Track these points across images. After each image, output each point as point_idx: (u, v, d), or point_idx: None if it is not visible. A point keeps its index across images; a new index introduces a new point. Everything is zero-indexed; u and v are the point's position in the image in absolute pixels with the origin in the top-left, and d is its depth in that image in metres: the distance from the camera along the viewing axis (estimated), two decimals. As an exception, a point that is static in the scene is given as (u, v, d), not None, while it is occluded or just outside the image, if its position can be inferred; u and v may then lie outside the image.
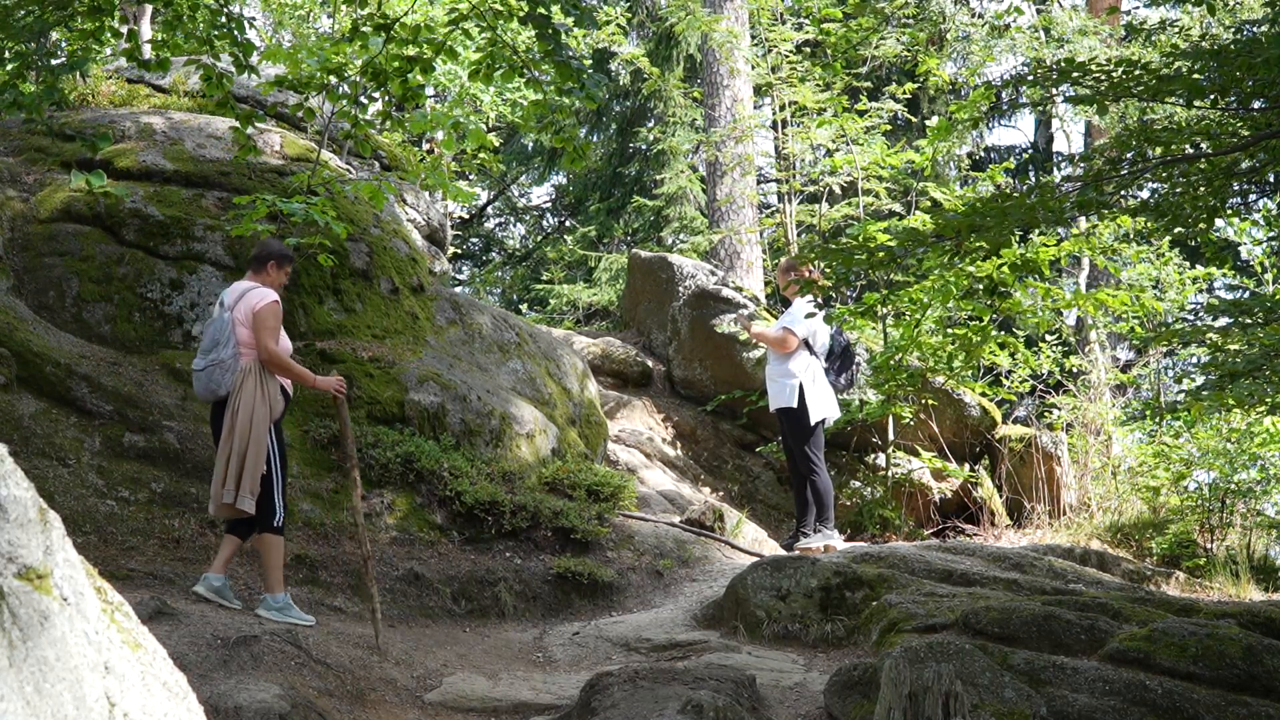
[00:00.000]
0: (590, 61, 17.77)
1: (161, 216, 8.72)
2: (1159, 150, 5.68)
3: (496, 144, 13.23)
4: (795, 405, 8.99)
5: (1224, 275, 12.24)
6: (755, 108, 16.10)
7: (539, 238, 25.10)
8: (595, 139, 20.57)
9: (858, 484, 11.22)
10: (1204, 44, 5.64)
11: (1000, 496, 10.88)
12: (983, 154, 21.03)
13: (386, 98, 7.82)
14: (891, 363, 10.46)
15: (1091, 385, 12.32)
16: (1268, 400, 6.41)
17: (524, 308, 20.17)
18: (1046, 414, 12.35)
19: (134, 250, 8.60)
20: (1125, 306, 10.29)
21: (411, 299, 9.53)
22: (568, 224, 23.55)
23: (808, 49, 13.88)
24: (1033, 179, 17.94)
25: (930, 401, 10.94)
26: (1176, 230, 6.06)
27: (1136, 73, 5.43)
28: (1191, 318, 12.10)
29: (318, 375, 6.82)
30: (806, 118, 13.16)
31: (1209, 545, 9.82)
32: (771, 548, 9.33)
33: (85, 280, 8.42)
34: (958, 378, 10.86)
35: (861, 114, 12.36)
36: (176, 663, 2.95)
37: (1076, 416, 11.80)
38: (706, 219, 16.50)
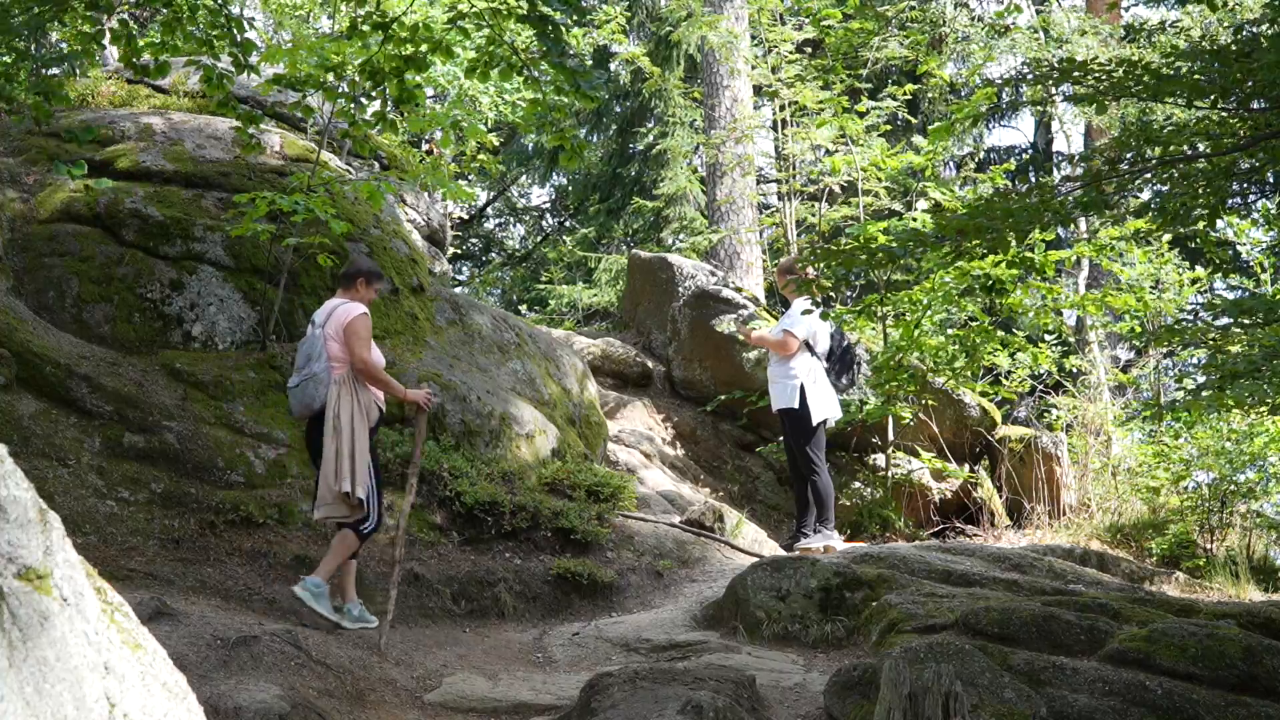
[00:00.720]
0: (590, 61, 17.79)
1: (161, 217, 8.72)
2: (1159, 150, 5.68)
3: (496, 144, 13.23)
4: (797, 406, 8.99)
5: (1224, 279, 12.25)
6: (755, 108, 16.10)
7: (539, 238, 25.09)
8: (595, 139, 20.57)
9: (858, 484, 11.22)
10: (1204, 44, 5.64)
11: (1000, 497, 10.88)
12: (985, 155, 21.03)
13: (384, 98, 7.82)
14: (892, 363, 10.46)
15: (1091, 386, 12.32)
16: (1268, 401, 6.41)
17: (524, 308, 20.17)
18: (1046, 414, 12.35)
19: (134, 250, 8.60)
20: (1128, 307, 10.29)
21: (411, 299, 9.53)
22: (567, 224, 23.55)
23: (808, 49, 13.89)
24: (1033, 179, 17.93)
25: (930, 402, 10.94)
26: (1176, 230, 6.06)
27: (1136, 73, 5.43)
28: (1191, 318, 12.09)
29: (389, 378, 7.02)
30: (806, 118, 13.16)
31: (1209, 546, 9.82)
32: (771, 548, 9.33)
33: (85, 280, 8.42)
34: (958, 378, 10.86)
35: (861, 114, 12.36)
36: (176, 663, 2.95)
37: (1076, 417, 11.80)
38: (706, 219, 16.50)
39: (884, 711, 4.84)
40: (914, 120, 15.85)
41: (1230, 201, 6.28)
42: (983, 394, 11.44)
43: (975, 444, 11.55)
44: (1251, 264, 11.86)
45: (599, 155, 20.26)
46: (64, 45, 9.19)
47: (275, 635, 5.77)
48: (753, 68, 14.56)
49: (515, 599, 7.67)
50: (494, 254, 25.53)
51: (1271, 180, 6.60)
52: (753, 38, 14.94)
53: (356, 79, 7.92)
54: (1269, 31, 5.69)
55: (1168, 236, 10.01)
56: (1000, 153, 22.03)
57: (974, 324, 10.78)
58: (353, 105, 8.06)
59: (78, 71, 8.40)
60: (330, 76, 8.02)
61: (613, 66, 20.49)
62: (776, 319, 10.36)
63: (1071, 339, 13.38)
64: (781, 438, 9.78)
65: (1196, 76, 5.32)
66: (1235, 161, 5.61)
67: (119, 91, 10.44)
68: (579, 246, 19.46)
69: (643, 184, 19.40)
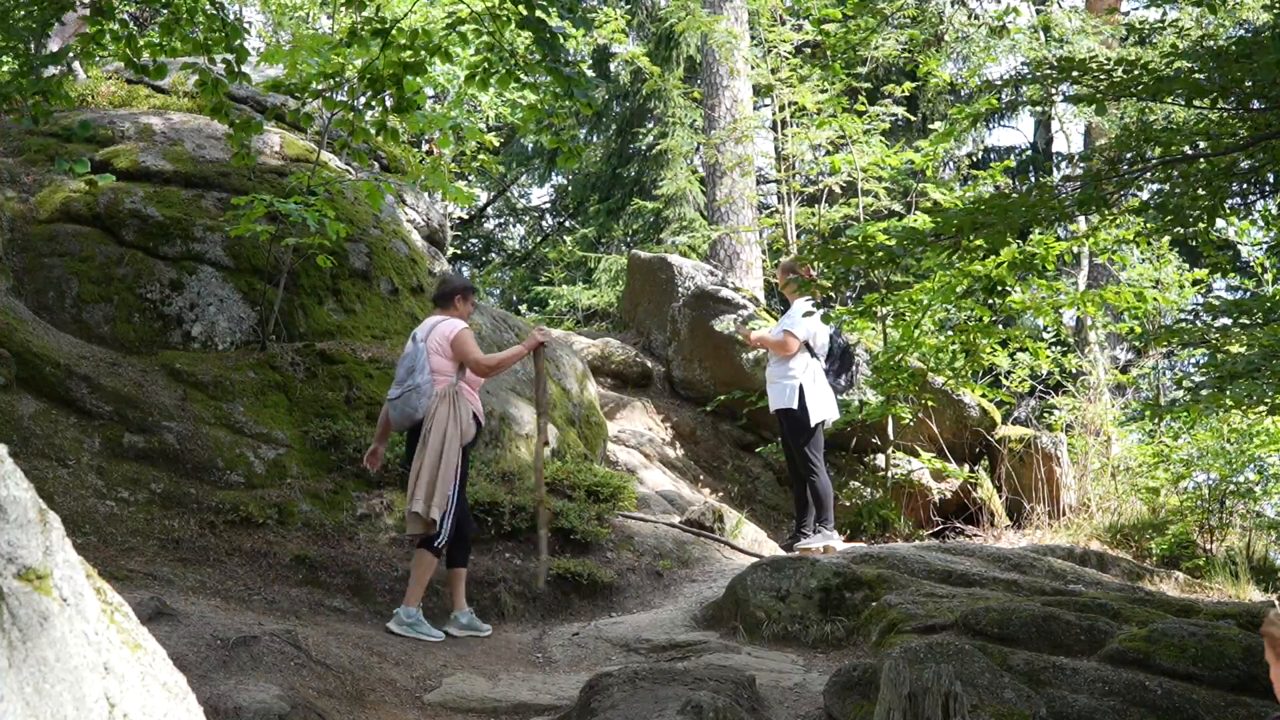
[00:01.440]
0: (589, 63, 17.79)
1: (161, 217, 8.72)
2: (1158, 150, 5.69)
3: (496, 144, 13.23)
4: (795, 406, 8.98)
5: (1224, 279, 12.24)
6: (755, 108, 16.10)
7: (538, 239, 25.09)
8: (595, 140, 20.57)
9: (857, 484, 11.22)
10: (1204, 44, 5.64)
11: (1000, 497, 10.88)
12: (985, 155, 21.03)
13: (383, 105, 7.82)
14: (891, 363, 10.46)
15: (1091, 386, 12.32)
16: (1267, 401, 6.41)
17: (523, 308, 20.17)
18: (1046, 415, 12.35)
19: (134, 251, 8.60)
20: (1129, 305, 10.29)
21: (411, 300, 9.53)
22: (567, 225, 23.55)
23: (808, 50, 13.89)
24: (1032, 179, 17.93)
25: (930, 402, 10.94)
26: (1176, 230, 6.06)
27: (1136, 72, 5.43)
28: (1191, 318, 12.09)
29: (506, 351, 7.44)
30: (806, 118, 13.16)
31: (1208, 546, 9.82)
32: (771, 548, 9.33)
33: (85, 281, 8.42)
34: (958, 378, 10.86)
35: (861, 114, 12.37)
36: (176, 663, 2.95)
37: (1076, 417, 11.79)
38: (706, 220, 16.50)
39: (884, 711, 4.84)
40: (913, 119, 15.86)
41: (1230, 201, 6.29)
42: (982, 394, 11.44)
43: (975, 444, 11.55)
44: (1251, 264, 11.86)
45: (599, 155, 20.26)
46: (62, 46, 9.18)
47: (275, 635, 5.77)
48: (752, 68, 14.56)
49: (515, 599, 7.67)
50: (494, 254, 25.53)
51: (1271, 180, 6.61)
52: (752, 38, 14.95)
53: (356, 85, 7.92)
54: (1269, 32, 5.69)
55: (1167, 237, 10.01)
56: (1000, 153, 22.03)
57: (974, 323, 10.77)
58: (352, 114, 8.06)
59: (76, 72, 8.39)
60: (330, 84, 8.03)
61: (613, 66, 20.49)
62: (776, 319, 10.36)
63: (1071, 339, 13.38)
64: (780, 438, 9.77)
65: (1196, 76, 5.32)
66: (1235, 161, 5.61)
67: (119, 91, 10.44)
68: (579, 247, 19.46)
69: (642, 184, 19.39)
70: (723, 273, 13.31)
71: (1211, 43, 5.81)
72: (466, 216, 23.44)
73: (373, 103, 8.07)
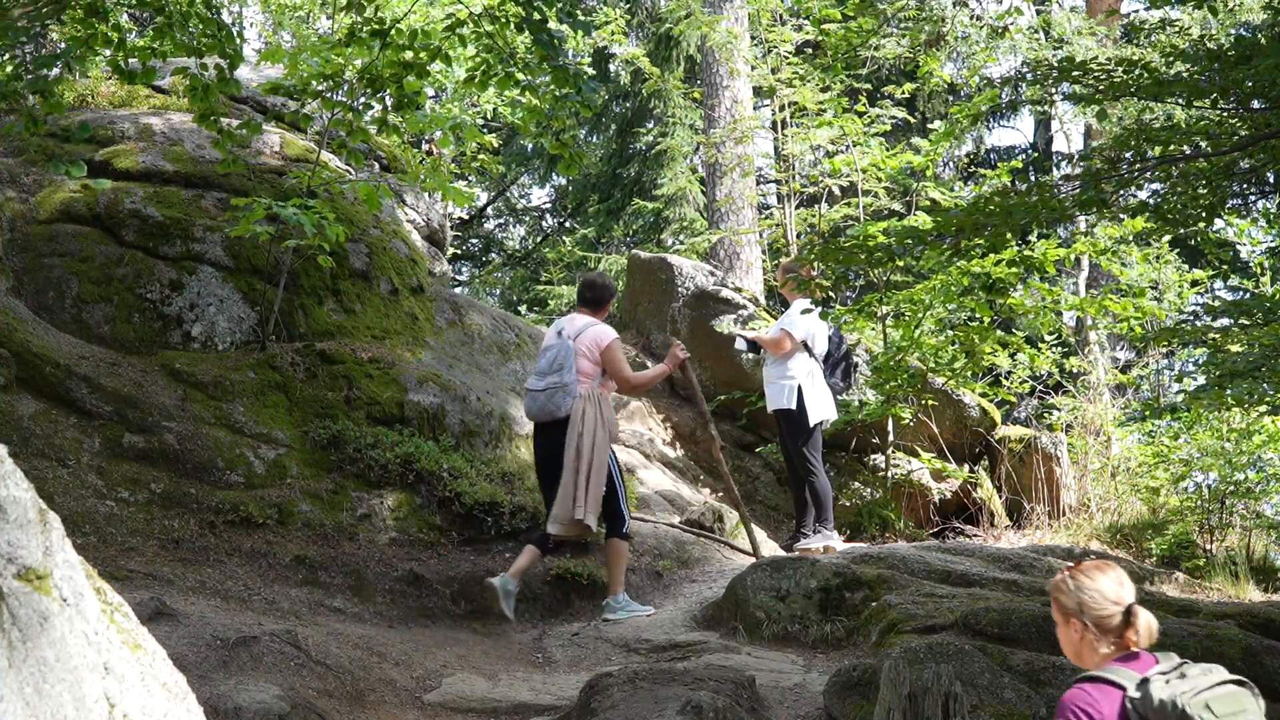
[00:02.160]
0: (589, 63, 17.78)
1: (161, 217, 8.72)
2: (1158, 150, 5.69)
3: (496, 144, 13.23)
4: (794, 407, 8.98)
5: (1223, 280, 12.25)
6: (755, 109, 16.10)
7: (538, 239, 25.09)
8: (595, 140, 20.57)
9: (857, 485, 11.21)
10: (1204, 45, 5.64)
11: (1000, 497, 10.88)
12: (985, 156, 21.03)
13: (383, 105, 7.82)
14: (891, 363, 10.45)
15: (1091, 386, 12.32)
16: (1267, 400, 6.41)
17: (523, 309, 20.17)
18: (1046, 415, 12.34)
19: (133, 251, 8.60)
20: (1128, 314, 10.29)
21: (411, 300, 9.53)
22: (567, 225, 23.55)
23: (808, 50, 13.89)
24: (1033, 179, 17.92)
25: (930, 402, 10.93)
26: (1176, 231, 6.06)
27: (1136, 73, 5.44)
28: (1191, 319, 12.10)
29: (653, 368, 7.92)
30: (806, 118, 13.16)
31: (1208, 546, 9.82)
32: (771, 548, 9.33)
33: (85, 281, 8.41)
34: (958, 378, 10.85)
35: (861, 115, 12.36)
36: (176, 663, 2.95)
37: (1076, 417, 11.79)
38: (706, 220, 16.50)
39: (884, 712, 4.84)
40: (913, 120, 15.86)
41: (1230, 201, 6.28)
42: (982, 394, 11.44)
43: (975, 444, 11.54)
44: (1251, 265, 11.86)
45: (599, 155, 20.27)
46: (62, 45, 9.18)
47: (275, 635, 5.77)
48: (752, 68, 14.56)
49: (515, 599, 7.66)
50: (494, 254, 25.53)
51: (1271, 180, 6.60)
52: (752, 38, 14.95)
53: (355, 86, 7.91)
54: (1269, 34, 5.69)
55: (1167, 237, 10.01)
56: (1000, 153, 22.04)
57: (974, 324, 10.77)
58: (350, 114, 8.05)
59: (75, 72, 8.38)
60: (329, 85, 8.01)
61: (613, 67, 20.49)
62: (775, 319, 10.35)
63: (1071, 339, 13.38)
64: (778, 439, 9.77)
65: (1196, 77, 5.32)
66: (1235, 161, 5.61)
67: (118, 92, 10.43)
68: (579, 247, 19.47)
69: (642, 184, 19.40)
70: (723, 273, 13.31)
71: (1211, 44, 5.81)
72: (466, 217, 23.44)
73: (372, 102, 8.06)
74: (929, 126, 13.32)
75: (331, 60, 8.15)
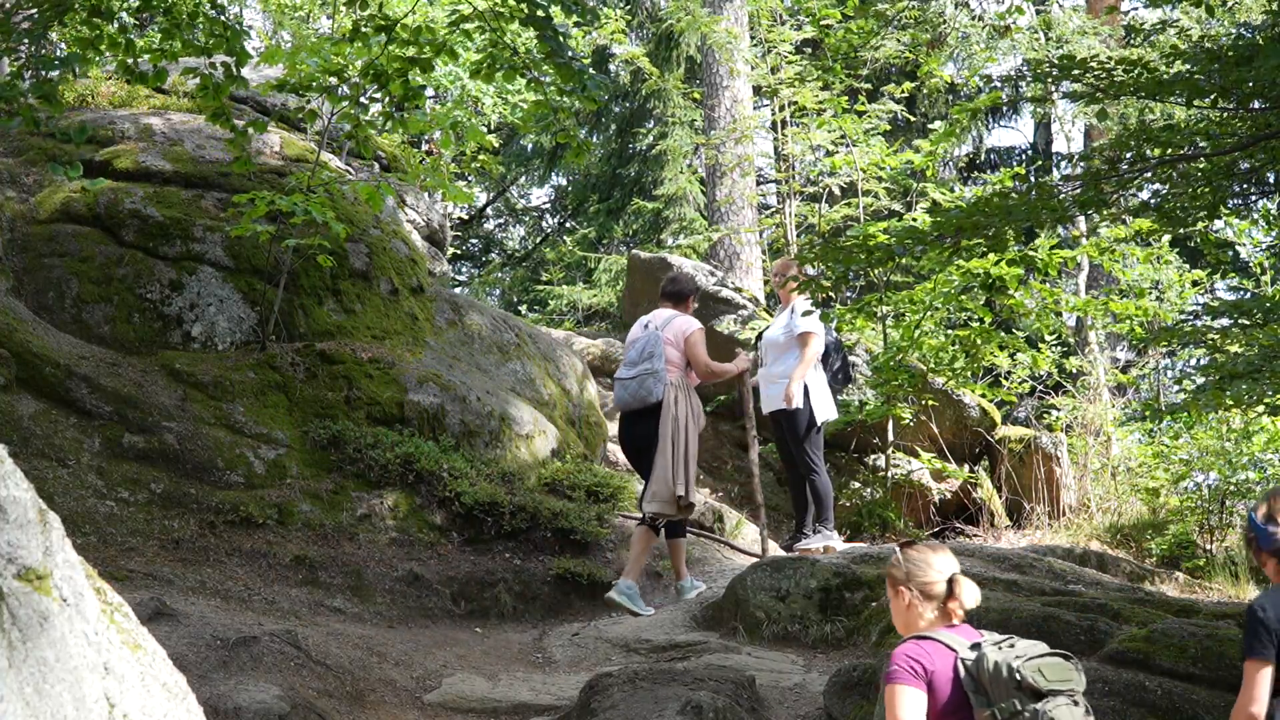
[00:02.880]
0: (590, 60, 17.78)
1: (161, 217, 8.72)
2: (1158, 150, 5.69)
3: (496, 145, 13.22)
4: (801, 405, 8.93)
5: (1223, 280, 12.25)
6: (755, 108, 16.09)
7: (538, 239, 25.08)
8: (595, 139, 20.55)
9: (857, 485, 11.21)
10: (1204, 45, 5.64)
11: (1000, 497, 10.88)
12: (985, 156, 21.02)
13: (387, 99, 7.81)
14: (891, 363, 10.45)
15: (1091, 386, 12.32)
16: (1266, 401, 6.41)
17: (523, 309, 20.16)
18: (1046, 415, 12.34)
19: (133, 251, 8.59)
20: (1129, 315, 10.29)
21: (411, 300, 9.53)
22: (567, 225, 23.55)
23: (808, 50, 13.88)
24: (1032, 179, 17.91)
25: (930, 402, 10.93)
26: (1176, 231, 6.06)
27: (1136, 72, 5.44)
28: (1191, 319, 12.10)
29: (725, 364, 8.16)
30: (806, 118, 13.15)
31: (1208, 546, 9.82)
32: (771, 548, 9.32)
33: (85, 281, 8.41)
34: (958, 379, 10.85)
35: (861, 114, 12.36)
36: (176, 663, 2.95)
37: (1076, 417, 11.79)
38: (706, 220, 16.49)
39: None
40: (913, 119, 15.85)
41: (1230, 201, 6.28)
42: (982, 395, 11.44)
43: (975, 444, 11.54)
44: (1251, 265, 11.86)
45: (599, 155, 20.26)
46: (63, 46, 9.17)
47: (275, 635, 5.77)
48: (752, 68, 14.55)
49: (515, 599, 7.67)
50: (494, 254, 25.52)
51: (1271, 180, 6.61)
52: (752, 38, 14.94)
53: (359, 81, 7.90)
54: (1269, 34, 5.70)
55: (1167, 237, 10.01)
56: (1000, 153, 22.02)
57: (974, 324, 10.77)
58: (355, 108, 8.04)
59: (76, 74, 8.38)
60: (333, 80, 8.01)
61: (612, 67, 20.48)
62: (772, 317, 10.31)
63: (1071, 339, 13.38)
64: (777, 438, 9.73)
65: (1196, 77, 5.32)
66: (1235, 161, 5.62)
67: (119, 92, 10.43)
68: (579, 247, 19.45)
69: (642, 184, 19.39)
70: (723, 273, 13.31)
71: (1211, 44, 5.81)
72: (466, 217, 23.43)
73: (376, 98, 8.06)
74: (929, 126, 13.30)
75: (333, 58, 8.14)
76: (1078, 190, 5.77)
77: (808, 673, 6.08)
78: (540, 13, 6.50)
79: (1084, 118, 14.72)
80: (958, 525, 10.86)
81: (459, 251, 23.90)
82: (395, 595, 7.31)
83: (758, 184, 16.78)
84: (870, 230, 9.80)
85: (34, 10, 6.88)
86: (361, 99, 8.04)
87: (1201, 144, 5.64)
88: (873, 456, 11.31)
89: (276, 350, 8.49)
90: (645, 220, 18.95)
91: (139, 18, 10.19)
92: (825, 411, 9.08)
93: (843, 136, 12.60)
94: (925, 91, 15.83)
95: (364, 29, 7.35)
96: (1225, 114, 5.65)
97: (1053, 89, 9.18)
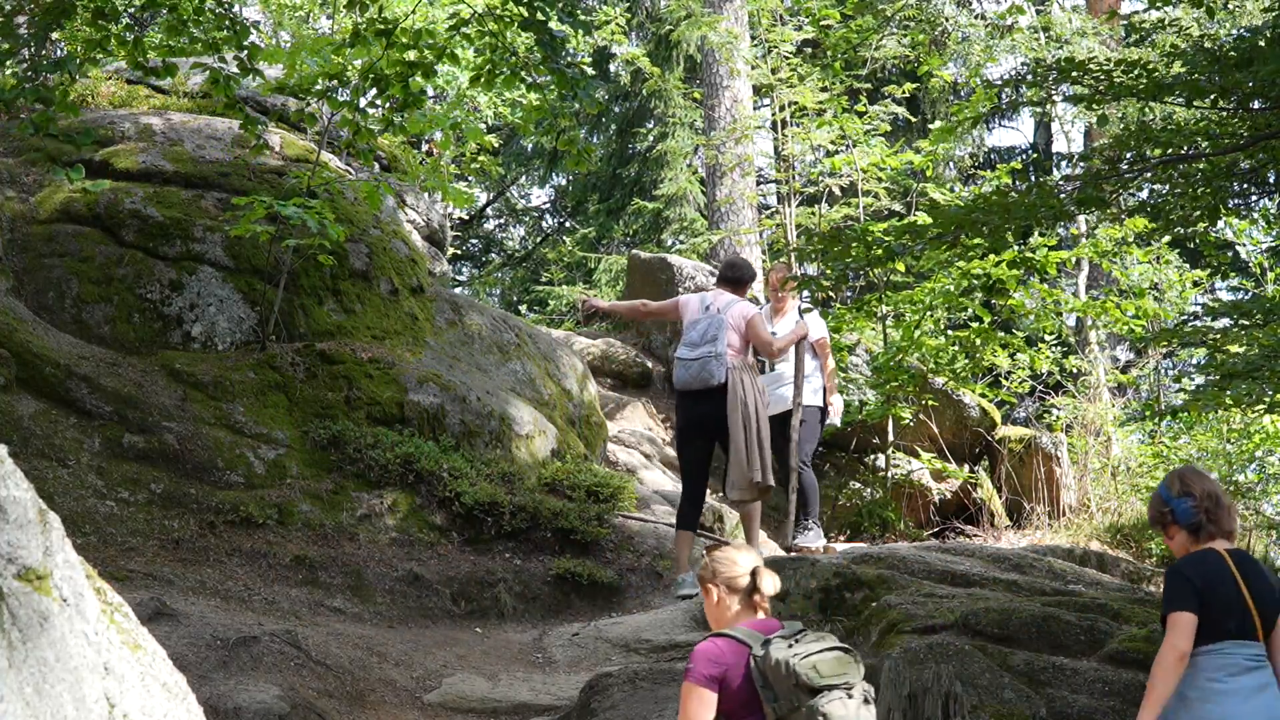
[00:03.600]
0: (589, 62, 17.77)
1: (161, 217, 8.72)
2: (1158, 151, 5.69)
3: (496, 145, 13.22)
4: (820, 404, 8.89)
5: (1223, 280, 12.25)
6: (755, 108, 16.09)
7: (538, 239, 25.08)
8: (595, 140, 20.55)
9: (857, 485, 11.21)
10: (1204, 44, 5.64)
11: (1000, 497, 10.88)
12: (985, 156, 21.02)
13: (388, 103, 7.83)
14: (891, 363, 10.45)
15: (1091, 386, 12.32)
16: (1266, 400, 6.41)
17: (524, 309, 20.16)
18: (1046, 415, 12.34)
19: (133, 251, 8.59)
20: (1128, 319, 10.29)
21: (411, 300, 9.53)
22: (567, 225, 23.54)
23: (808, 50, 13.88)
24: (1032, 179, 17.91)
25: (930, 402, 10.93)
26: (1176, 231, 6.06)
27: (1136, 73, 5.44)
28: (1191, 319, 12.10)
29: (786, 336, 8.15)
30: (806, 118, 13.15)
31: (1208, 546, 9.80)
32: (771, 548, 9.32)
33: (85, 281, 8.41)
34: (958, 379, 10.86)
35: (861, 115, 12.36)
36: (176, 664, 2.95)
37: (1076, 417, 11.79)
38: (706, 220, 16.49)
39: (884, 712, 4.84)
40: (914, 120, 15.84)
41: (1230, 202, 6.28)
42: (982, 395, 11.44)
43: (975, 444, 11.54)
44: (1251, 265, 11.86)
45: (599, 156, 20.26)
46: (63, 47, 9.18)
47: (275, 635, 5.77)
48: (752, 68, 14.55)
49: (515, 599, 7.67)
50: (494, 254, 25.52)
51: (1271, 180, 6.61)
52: (752, 38, 14.94)
53: (359, 84, 7.91)
54: (1268, 34, 5.69)
55: (1167, 238, 10.01)
56: (1000, 153, 22.01)
57: (974, 324, 10.77)
58: (356, 113, 8.05)
59: (75, 75, 8.38)
60: (333, 84, 8.03)
61: (613, 67, 20.48)
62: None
63: (1071, 339, 13.38)
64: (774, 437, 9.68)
65: (1196, 77, 5.32)
66: (1235, 161, 5.62)
67: (119, 92, 10.43)
68: (579, 247, 19.46)
69: (642, 185, 19.39)
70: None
71: (1212, 44, 5.81)
72: (466, 217, 23.43)
73: (377, 101, 8.07)
74: (930, 127, 13.30)
75: (331, 60, 8.15)
76: (1077, 190, 5.77)
77: (808, 673, 6.07)
78: (540, 16, 6.51)
79: (1084, 118, 14.72)
80: (958, 525, 10.86)
81: (459, 251, 23.90)
82: (395, 595, 7.31)
83: (758, 184, 16.78)
84: (870, 228, 9.79)
85: (35, 13, 6.87)
86: (361, 103, 8.05)
87: (1202, 144, 5.64)
88: (873, 456, 11.32)
89: (276, 350, 8.49)
90: (645, 220, 18.95)
91: (141, 17, 10.20)
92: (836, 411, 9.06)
93: (843, 136, 12.60)
94: (926, 92, 15.84)
95: (363, 32, 7.36)
96: (1225, 114, 5.65)
97: (1053, 90, 9.16)
